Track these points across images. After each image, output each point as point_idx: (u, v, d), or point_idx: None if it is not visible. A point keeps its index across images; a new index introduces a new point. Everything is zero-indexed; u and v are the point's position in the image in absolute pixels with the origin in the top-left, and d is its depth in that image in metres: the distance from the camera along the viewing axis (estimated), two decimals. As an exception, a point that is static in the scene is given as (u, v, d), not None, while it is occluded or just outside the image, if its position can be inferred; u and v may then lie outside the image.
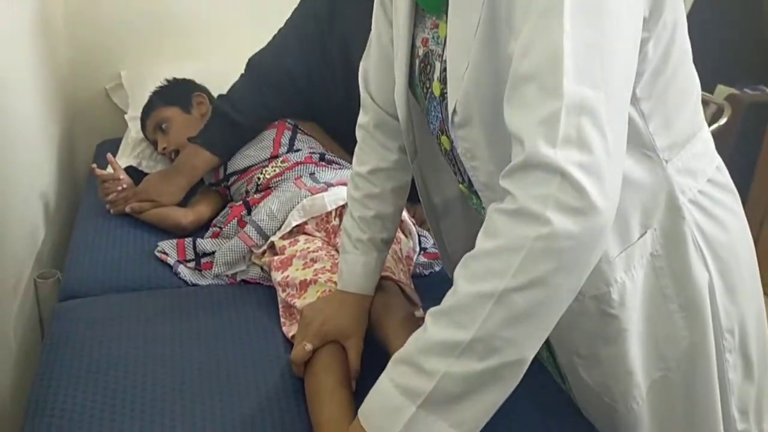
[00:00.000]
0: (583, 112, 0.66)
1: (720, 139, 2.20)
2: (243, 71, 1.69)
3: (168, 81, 1.85)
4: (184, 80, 1.86)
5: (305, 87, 1.67)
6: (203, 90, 1.85)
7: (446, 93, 0.85)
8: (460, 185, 1.02)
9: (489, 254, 0.71)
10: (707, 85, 3.48)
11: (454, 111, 0.84)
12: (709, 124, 2.31)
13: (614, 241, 0.85)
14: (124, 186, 1.60)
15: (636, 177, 0.84)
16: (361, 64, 1.12)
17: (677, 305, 0.91)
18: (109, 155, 1.67)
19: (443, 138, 0.94)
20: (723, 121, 2.21)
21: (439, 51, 0.89)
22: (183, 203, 1.63)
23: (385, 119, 1.08)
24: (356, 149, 1.16)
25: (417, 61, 0.95)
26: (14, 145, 1.49)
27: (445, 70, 0.85)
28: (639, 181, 0.84)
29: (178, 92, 1.81)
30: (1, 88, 1.41)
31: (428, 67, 0.93)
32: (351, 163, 1.65)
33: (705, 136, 0.93)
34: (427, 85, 0.94)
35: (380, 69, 1.07)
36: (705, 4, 3.97)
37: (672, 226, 0.88)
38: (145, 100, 1.83)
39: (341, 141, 1.76)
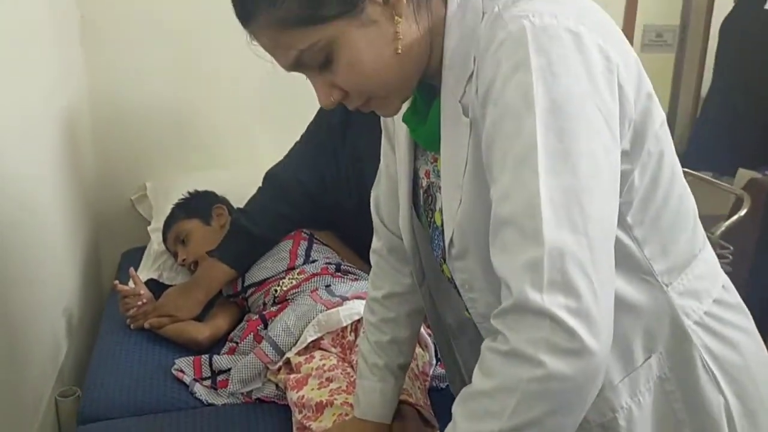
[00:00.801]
0: (565, 258, 0.67)
1: (742, 229, 2.19)
2: (261, 184, 1.74)
3: (189, 193, 1.91)
4: (204, 192, 1.92)
5: (320, 198, 1.72)
6: (223, 201, 1.90)
7: None
8: (466, 313, 1.02)
9: (485, 394, 0.71)
10: (728, 169, 3.48)
11: (451, 243, 0.86)
12: (729, 216, 2.31)
13: (616, 366, 0.84)
14: (144, 301, 1.63)
15: (636, 302, 0.83)
16: (373, 191, 1.16)
17: (692, 430, 0.88)
18: (131, 270, 1.70)
19: (445, 266, 0.96)
20: (743, 212, 2.20)
21: (440, 183, 0.92)
22: (201, 315, 1.65)
23: (398, 244, 1.10)
24: (371, 274, 1.17)
25: (421, 192, 0.98)
26: (40, 258, 1.54)
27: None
28: (639, 305, 0.84)
29: (199, 204, 1.86)
30: (28, 199, 1.47)
31: (430, 198, 0.96)
32: (366, 272, 1.69)
33: (707, 256, 0.92)
34: (430, 215, 0.96)
35: (390, 198, 1.09)
36: (724, 82, 4.01)
37: (679, 350, 0.86)
38: (168, 211, 1.89)
39: (356, 248, 1.79)
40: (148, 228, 2.03)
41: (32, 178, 1.51)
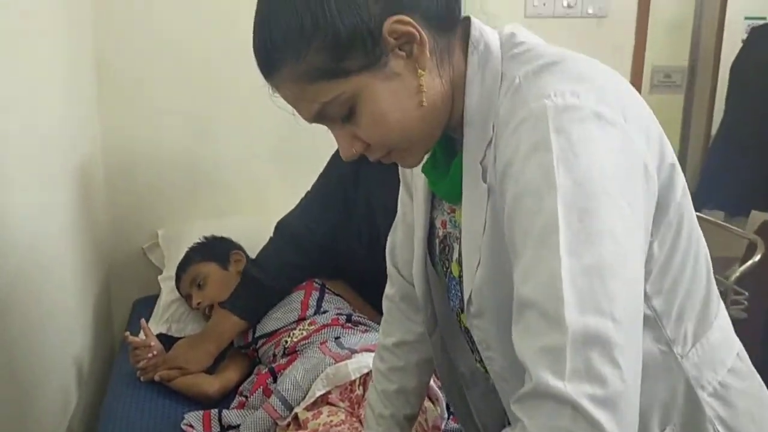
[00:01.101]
0: (589, 344, 0.65)
1: (757, 274, 2.16)
2: (272, 234, 1.75)
3: (206, 238, 1.92)
4: (222, 238, 1.93)
5: (331, 248, 1.72)
6: (240, 248, 1.91)
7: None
8: (477, 363, 1.01)
9: None
10: (740, 209, 3.46)
11: (470, 300, 0.85)
12: (743, 261, 2.28)
13: None
14: (155, 353, 1.63)
15: (653, 374, 0.82)
16: (389, 237, 1.15)
17: None
18: (142, 321, 1.71)
19: (462, 316, 0.95)
20: (757, 257, 2.17)
21: (457, 234, 0.92)
22: (212, 366, 1.65)
23: (411, 291, 1.09)
24: (383, 321, 1.17)
25: (437, 241, 0.98)
26: (50, 308, 1.54)
27: (461, 254, 0.87)
28: (657, 378, 0.82)
29: (216, 249, 1.87)
30: (40, 249, 1.47)
31: (447, 248, 0.95)
32: (378, 321, 1.68)
33: (722, 323, 0.90)
34: (446, 265, 0.96)
35: (405, 245, 1.09)
36: (735, 120, 4.00)
37: (692, 422, 0.85)
38: (180, 259, 1.89)
39: (368, 297, 1.79)
40: (159, 277, 2.04)
41: (45, 228, 1.52)
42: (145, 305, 2.03)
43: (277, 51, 0.76)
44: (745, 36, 5.17)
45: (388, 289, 1.15)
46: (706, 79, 4.79)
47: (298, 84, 0.77)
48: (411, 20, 0.76)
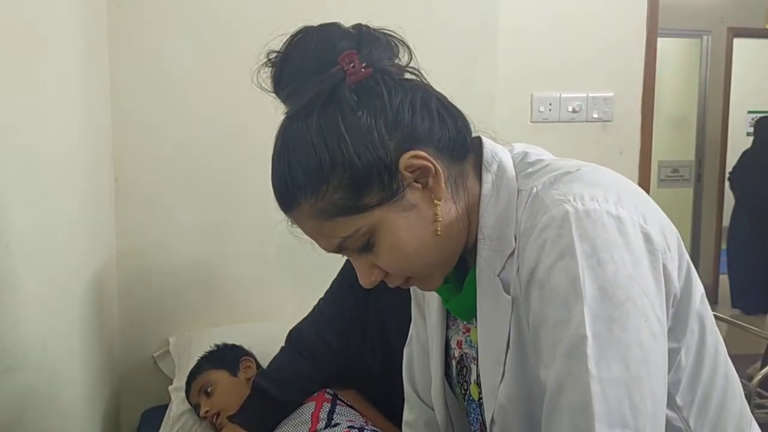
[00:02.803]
0: None
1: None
2: (284, 343, 1.73)
3: (217, 346, 1.90)
4: (232, 345, 1.91)
5: (344, 358, 1.70)
6: (251, 355, 1.89)
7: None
8: None
9: None
10: (757, 307, 3.40)
11: (492, 420, 0.84)
12: (763, 363, 2.24)
13: None
14: None
15: None
16: (405, 352, 1.13)
17: None
18: None
19: None
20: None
21: (473, 354, 0.91)
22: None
23: (434, 417, 1.06)
24: None
25: (454, 363, 0.96)
26: (61, 420, 1.52)
27: (479, 374, 0.86)
28: None
29: (226, 356, 1.85)
30: (50, 355, 1.46)
31: (464, 369, 0.94)
32: (391, 432, 1.64)
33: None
34: (465, 387, 0.94)
35: (422, 365, 1.08)
36: (742, 225, 4.01)
37: None
38: (189, 369, 1.87)
39: (381, 407, 1.75)
40: (170, 388, 2.01)
41: (55, 336, 1.52)
42: (154, 416, 2.00)
43: (296, 188, 0.78)
44: (750, 129, 5.25)
45: (408, 415, 1.12)
46: (713, 171, 4.86)
47: (317, 220, 0.79)
48: (426, 154, 0.78)
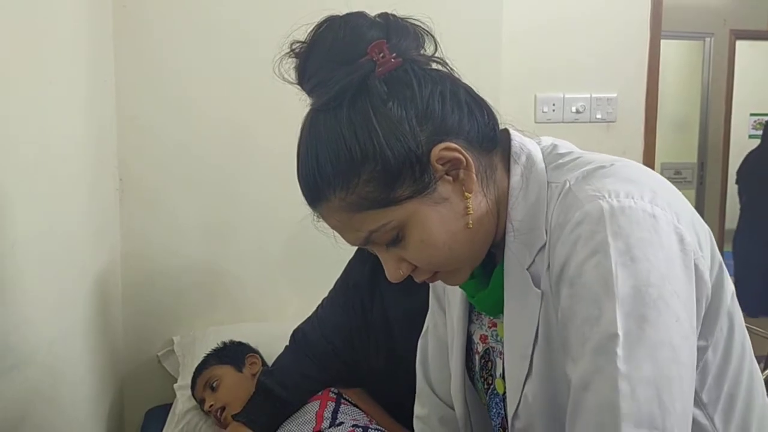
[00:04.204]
0: None
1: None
2: (288, 343, 1.73)
3: (224, 343, 1.91)
4: (239, 343, 1.92)
5: (348, 356, 1.70)
6: (256, 352, 1.90)
7: None
8: None
9: None
10: (762, 310, 3.39)
11: (515, 415, 0.83)
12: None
13: None
14: None
15: None
16: (419, 347, 1.11)
17: None
18: None
19: None
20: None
21: (500, 349, 0.89)
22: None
23: (448, 414, 1.04)
24: None
25: (477, 357, 0.94)
26: (64, 419, 1.51)
27: (505, 369, 0.85)
28: None
29: (232, 353, 1.86)
30: (55, 354, 1.46)
31: (489, 363, 0.92)
32: (396, 431, 1.64)
33: None
34: (489, 381, 0.93)
35: (438, 359, 1.06)
36: (749, 227, 3.99)
37: None
38: (194, 366, 1.87)
39: (386, 405, 1.75)
40: (175, 386, 2.01)
41: (60, 336, 1.52)
42: (158, 415, 2.00)
43: (325, 182, 0.76)
44: (752, 132, 5.24)
45: (419, 410, 1.10)
46: (716, 174, 4.85)
47: (346, 213, 0.77)
48: (457, 146, 0.76)
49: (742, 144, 5.09)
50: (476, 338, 0.94)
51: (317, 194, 0.77)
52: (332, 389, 1.72)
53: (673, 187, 0.80)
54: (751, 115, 5.64)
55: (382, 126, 0.74)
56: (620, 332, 0.68)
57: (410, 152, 0.74)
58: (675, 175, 4.81)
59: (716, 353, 0.79)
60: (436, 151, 0.76)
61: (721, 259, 0.80)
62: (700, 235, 0.77)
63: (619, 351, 0.67)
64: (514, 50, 2.26)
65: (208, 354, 1.87)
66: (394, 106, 0.75)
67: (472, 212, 0.78)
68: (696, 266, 0.74)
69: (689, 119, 4.96)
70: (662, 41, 2.49)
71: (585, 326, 0.71)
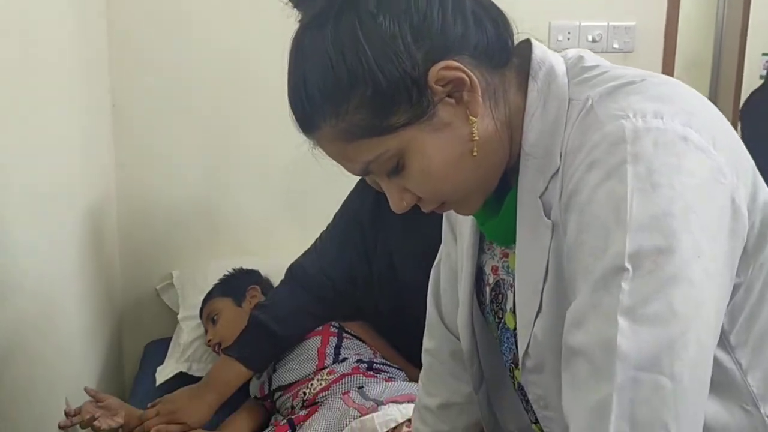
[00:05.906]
0: (638, 404, 0.58)
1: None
2: (284, 276, 1.66)
3: (234, 270, 1.86)
4: (248, 271, 1.87)
5: (348, 291, 1.63)
6: (265, 282, 1.84)
7: None
8: (534, 425, 0.91)
9: None
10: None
11: (526, 354, 0.77)
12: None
13: None
14: (120, 421, 1.45)
15: None
16: (431, 275, 1.04)
17: None
18: (87, 388, 1.49)
19: (517, 372, 0.85)
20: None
21: (511, 281, 0.83)
22: (216, 419, 1.55)
23: (458, 346, 0.98)
24: (423, 377, 1.06)
25: (488, 289, 0.88)
26: (60, 353, 1.49)
27: (516, 303, 0.79)
28: None
29: (237, 283, 1.81)
30: (48, 290, 1.42)
31: (500, 296, 0.86)
32: (401, 365, 1.59)
33: None
34: (500, 315, 0.87)
35: (450, 291, 0.99)
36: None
37: None
38: (195, 300, 1.85)
39: (390, 339, 1.69)
40: (178, 317, 1.96)
41: (54, 268, 1.47)
42: (158, 348, 1.96)
43: (314, 108, 0.69)
44: (763, 72, 5.14)
45: (428, 342, 1.04)
46: (727, 114, 4.75)
47: (340, 142, 0.71)
48: (459, 64, 0.68)
49: (754, 85, 4.98)
50: (487, 269, 0.88)
51: (307, 122, 0.72)
52: (333, 323, 1.66)
53: (715, 109, 0.71)
54: (763, 54, 5.48)
55: (372, 44, 0.66)
56: (628, 265, 0.60)
57: (405, 74, 0.67)
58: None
59: (750, 293, 0.71)
60: (435, 70, 0.68)
61: (766, 197, 0.72)
62: (740, 165, 0.69)
63: (624, 285, 0.60)
64: (528, -26, 2.14)
65: (216, 283, 1.83)
66: (385, 21, 0.67)
67: (477, 138, 0.70)
68: (732, 199, 0.65)
69: (702, 58, 4.82)
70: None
71: (589, 259, 0.63)
